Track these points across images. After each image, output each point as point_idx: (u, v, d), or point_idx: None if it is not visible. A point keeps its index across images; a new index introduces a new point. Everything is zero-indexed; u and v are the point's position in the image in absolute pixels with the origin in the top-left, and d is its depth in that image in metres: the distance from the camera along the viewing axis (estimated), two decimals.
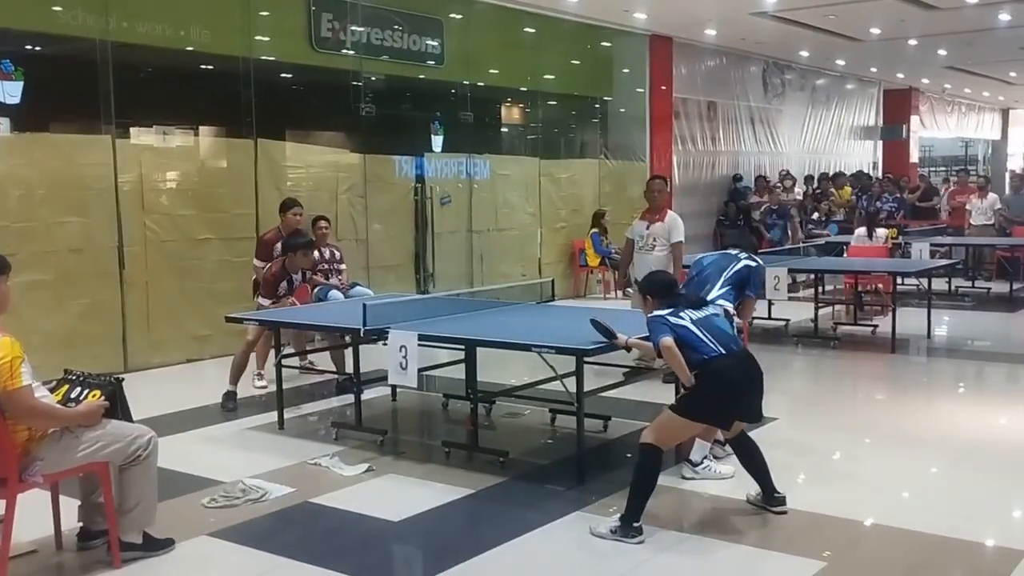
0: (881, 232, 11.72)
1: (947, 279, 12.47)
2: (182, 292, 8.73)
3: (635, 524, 4.26)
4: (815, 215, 15.37)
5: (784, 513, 4.54)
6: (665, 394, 6.13)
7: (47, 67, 8.24)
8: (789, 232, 14.67)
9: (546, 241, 13.04)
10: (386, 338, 5.39)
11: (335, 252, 8.45)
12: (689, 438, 4.86)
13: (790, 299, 9.21)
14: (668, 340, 4.28)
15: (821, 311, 9.99)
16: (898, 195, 15.83)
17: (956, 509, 4.65)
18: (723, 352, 4.31)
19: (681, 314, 4.39)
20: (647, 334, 4.52)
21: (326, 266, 8.22)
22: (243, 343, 7.06)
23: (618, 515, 4.32)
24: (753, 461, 4.62)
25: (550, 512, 4.64)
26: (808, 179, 17.72)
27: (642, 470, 4.32)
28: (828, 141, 20.29)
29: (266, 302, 7.17)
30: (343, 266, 8.50)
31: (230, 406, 6.86)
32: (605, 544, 4.26)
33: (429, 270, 11.37)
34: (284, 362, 6.98)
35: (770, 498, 4.59)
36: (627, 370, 6.88)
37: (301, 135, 10.61)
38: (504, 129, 14.23)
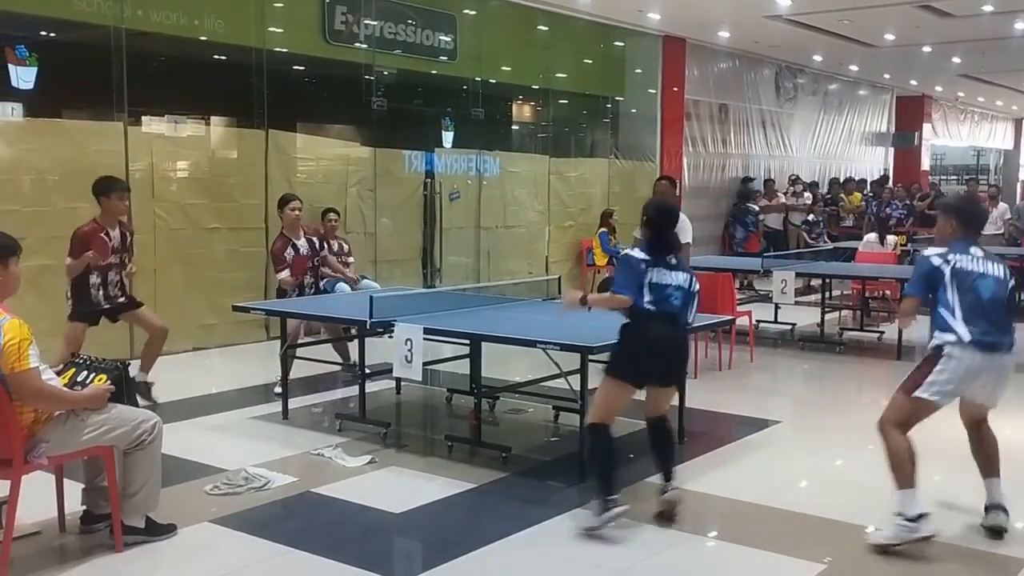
0: (891, 239, 11.71)
1: None
2: (190, 281, 8.76)
3: (609, 498, 4.29)
4: (810, 216, 15.34)
5: (672, 501, 4.52)
6: None
7: (61, 53, 8.28)
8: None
9: (554, 239, 13.04)
10: (392, 331, 5.40)
11: (343, 245, 8.47)
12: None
13: (797, 303, 9.19)
14: (625, 298, 4.34)
15: (828, 316, 9.97)
16: (908, 202, 15.80)
17: (959, 517, 4.63)
18: (652, 310, 4.33)
19: (651, 269, 4.37)
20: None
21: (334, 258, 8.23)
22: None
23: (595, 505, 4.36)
24: (660, 448, 4.66)
25: (551, 508, 4.66)
26: (813, 185, 17.62)
27: (593, 450, 4.44)
28: (839, 147, 20.24)
29: (284, 274, 7.15)
30: (351, 259, 8.52)
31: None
32: (605, 541, 4.27)
33: (436, 265, 11.38)
34: (299, 352, 7.04)
35: (665, 484, 4.57)
36: None
37: (312, 127, 10.64)
38: (515, 126, 14.25)
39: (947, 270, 4.29)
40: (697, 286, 4.55)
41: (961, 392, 4.32)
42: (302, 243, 7.31)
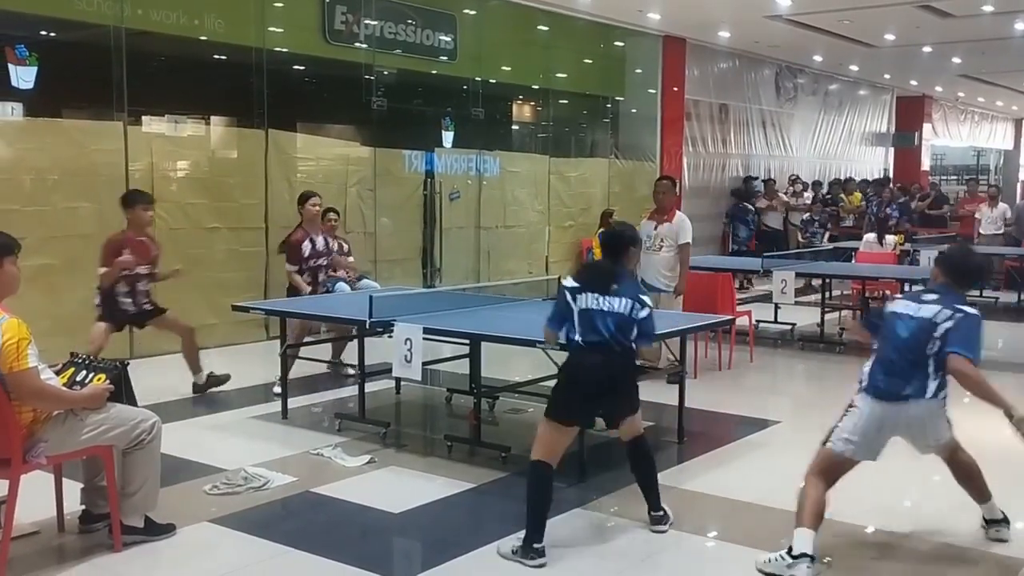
0: (890, 238, 11.71)
1: None
2: (189, 280, 8.72)
3: (535, 546, 4.01)
4: (806, 215, 15.34)
5: (661, 531, 4.35)
6: (669, 394, 6.14)
7: (61, 53, 8.29)
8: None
9: (554, 239, 13.04)
10: (392, 331, 5.40)
11: (343, 244, 8.47)
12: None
13: (797, 303, 9.19)
14: (550, 335, 4.38)
15: (828, 316, 9.97)
16: (901, 200, 15.82)
17: (958, 518, 4.62)
18: (581, 344, 4.16)
19: (579, 295, 4.21)
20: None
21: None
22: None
23: (523, 533, 4.08)
24: (638, 472, 4.43)
25: (551, 508, 4.64)
26: (816, 184, 17.65)
27: (528, 488, 4.15)
28: (840, 147, 20.25)
29: (292, 268, 7.48)
30: (351, 259, 8.52)
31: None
32: (605, 541, 4.27)
33: (436, 265, 11.38)
34: (301, 352, 7.06)
35: (649, 514, 4.40)
36: None
37: (312, 127, 10.64)
38: (515, 126, 14.26)
39: (887, 314, 4.25)
40: (643, 313, 4.22)
41: (876, 443, 4.10)
42: (320, 239, 7.64)
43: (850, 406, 4.15)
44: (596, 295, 4.20)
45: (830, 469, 4.10)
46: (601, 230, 12.71)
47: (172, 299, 8.58)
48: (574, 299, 4.21)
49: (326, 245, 7.70)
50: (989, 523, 4.37)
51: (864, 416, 4.09)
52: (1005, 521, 4.36)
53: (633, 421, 4.43)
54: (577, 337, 4.18)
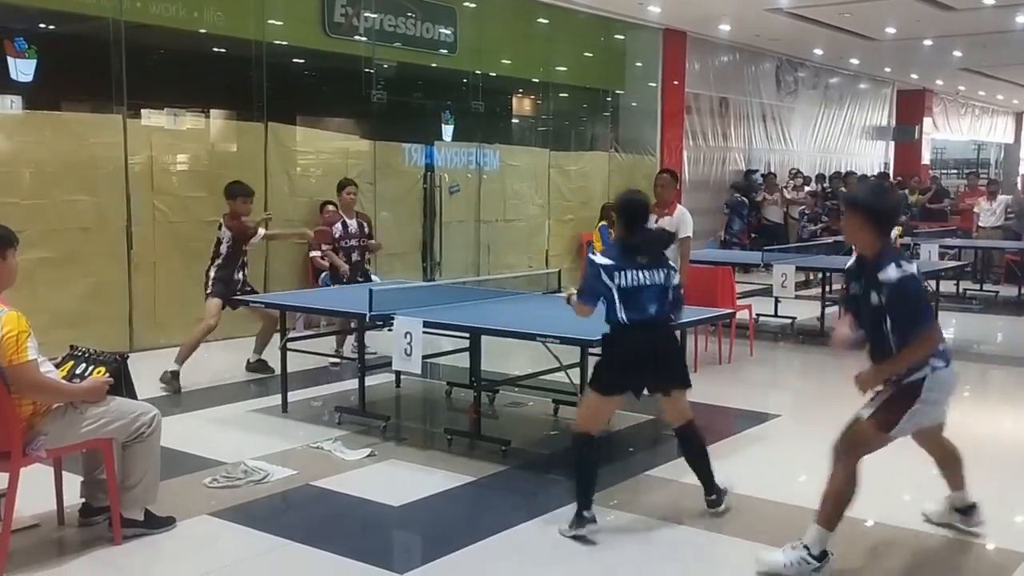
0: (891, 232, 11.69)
1: (955, 282, 12.42)
2: (189, 274, 8.71)
3: (585, 514, 4.18)
4: (802, 208, 15.32)
5: (718, 514, 4.46)
6: None
7: (60, 46, 8.27)
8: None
9: (554, 233, 13.03)
10: (392, 324, 5.39)
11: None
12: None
13: (797, 297, 9.19)
14: (586, 310, 4.33)
15: (828, 310, 9.96)
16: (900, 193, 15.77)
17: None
18: (627, 323, 4.20)
19: (616, 273, 4.21)
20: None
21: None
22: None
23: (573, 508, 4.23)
24: (693, 461, 4.52)
25: (550, 501, 4.64)
26: (819, 178, 17.66)
27: (575, 458, 4.31)
28: (840, 140, 20.24)
29: (327, 247, 7.96)
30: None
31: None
32: (604, 534, 4.26)
33: (436, 259, 11.38)
34: (299, 345, 7.06)
35: (707, 498, 4.49)
36: None
37: (312, 120, 10.63)
38: (515, 120, 14.24)
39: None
40: (676, 279, 4.39)
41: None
42: (352, 223, 8.09)
43: (919, 400, 4.04)
44: (633, 271, 4.24)
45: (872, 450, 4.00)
46: (609, 205, 12.77)
47: (173, 293, 8.62)
48: (611, 277, 4.23)
49: (359, 228, 8.12)
50: (962, 512, 4.36)
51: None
52: (973, 508, 4.35)
53: (682, 399, 4.50)
54: (622, 316, 4.22)
